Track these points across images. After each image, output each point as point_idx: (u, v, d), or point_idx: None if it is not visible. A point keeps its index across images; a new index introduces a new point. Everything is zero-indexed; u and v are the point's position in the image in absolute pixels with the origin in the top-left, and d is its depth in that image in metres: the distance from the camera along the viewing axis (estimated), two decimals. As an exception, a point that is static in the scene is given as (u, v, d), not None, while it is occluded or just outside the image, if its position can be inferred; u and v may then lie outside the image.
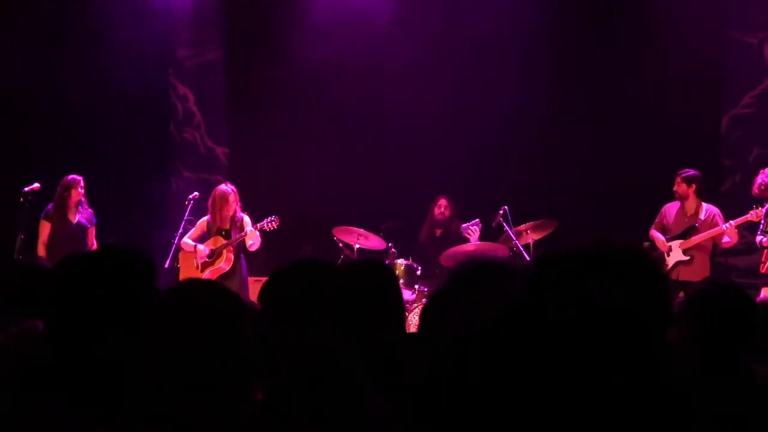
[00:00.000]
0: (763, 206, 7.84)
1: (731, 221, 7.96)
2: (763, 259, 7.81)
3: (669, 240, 8.19)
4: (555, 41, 9.70)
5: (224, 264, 8.14)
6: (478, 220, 8.50)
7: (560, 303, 1.41)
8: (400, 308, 3.13)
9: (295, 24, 10.03)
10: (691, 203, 8.18)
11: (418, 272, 8.42)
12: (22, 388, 2.08)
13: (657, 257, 7.96)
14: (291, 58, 9.97)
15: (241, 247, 8.21)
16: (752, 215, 7.84)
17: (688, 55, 9.23)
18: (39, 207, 8.36)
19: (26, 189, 8.34)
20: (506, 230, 8.29)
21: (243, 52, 10.64)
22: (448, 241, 8.60)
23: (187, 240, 8.28)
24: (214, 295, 1.95)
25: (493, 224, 8.45)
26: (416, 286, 8.30)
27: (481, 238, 8.50)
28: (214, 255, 8.18)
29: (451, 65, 9.98)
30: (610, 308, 1.40)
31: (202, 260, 8.19)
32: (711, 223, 8.08)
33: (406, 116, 9.69)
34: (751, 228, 8.20)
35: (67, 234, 8.24)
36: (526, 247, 8.27)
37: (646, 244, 8.21)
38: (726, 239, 8.03)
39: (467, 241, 8.45)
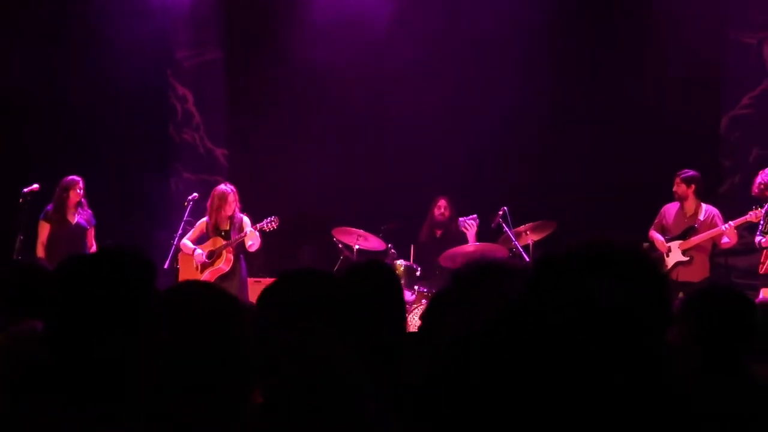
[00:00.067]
0: (762, 207, 7.84)
1: (730, 222, 7.96)
2: (762, 260, 7.81)
3: (668, 241, 8.19)
4: (555, 41, 9.70)
5: (224, 265, 8.13)
6: (476, 215, 8.52)
7: (560, 303, 1.41)
8: (402, 309, 3.13)
9: (295, 24, 10.03)
10: (690, 204, 8.18)
11: (418, 273, 8.42)
12: (22, 388, 2.08)
13: (656, 258, 7.97)
14: (291, 58, 9.97)
15: (240, 248, 8.20)
16: (751, 216, 7.84)
17: (688, 55, 9.23)
18: (38, 208, 8.35)
19: (25, 190, 8.33)
20: (505, 231, 8.29)
21: (242, 53, 10.63)
22: (448, 242, 8.59)
23: (186, 242, 8.27)
24: (214, 295, 1.95)
25: (493, 225, 8.45)
26: (416, 287, 8.30)
27: (481, 239, 8.51)
28: (213, 256, 8.17)
29: (451, 65, 9.98)
30: (610, 308, 1.40)
31: (201, 262, 8.19)
32: (710, 224, 8.08)
33: (406, 116, 9.69)
34: (750, 229, 8.20)
35: (66, 235, 8.24)
36: (526, 248, 8.27)
37: (646, 245, 8.21)
38: (725, 240, 8.03)
39: (466, 240, 8.46)
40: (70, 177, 8.34)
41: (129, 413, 1.86)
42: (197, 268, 8.21)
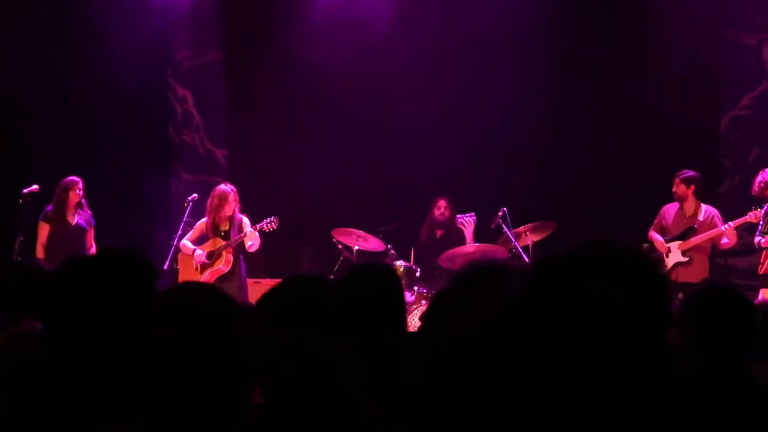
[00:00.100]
0: (761, 207, 7.84)
1: (730, 222, 7.96)
2: (761, 260, 7.81)
3: (668, 241, 8.18)
4: (555, 41, 9.70)
5: (223, 265, 8.12)
6: (473, 213, 8.53)
7: (559, 304, 1.41)
8: (402, 310, 3.14)
9: (295, 24, 10.03)
10: (690, 204, 8.17)
11: (418, 274, 8.41)
12: (22, 388, 2.08)
13: (656, 258, 7.97)
14: (291, 58, 9.97)
15: (240, 249, 8.19)
16: (751, 216, 7.84)
17: (687, 56, 9.23)
18: (38, 208, 8.35)
19: (25, 191, 8.33)
20: (505, 232, 8.29)
21: (242, 53, 10.63)
22: (448, 243, 8.60)
23: (185, 242, 8.27)
24: (213, 295, 1.95)
25: (492, 226, 8.45)
26: (415, 288, 8.30)
27: (481, 240, 8.52)
28: (213, 256, 8.17)
29: (451, 65, 9.98)
30: (610, 308, 1.40)
31: (201, 262, 8.18)
32: (710, 224, 8.08)
33: (406, 116, 9.69)
34: (750, 229, 8.19)
35: (65, 235, 8.23)
36: (526, 248, 8.27)
37: (646, 245, 8.20)
38: (725, 240, 8.03)
39: (465, 238, 8.48)
40: (70, 178, 8.34)
41: (129, 413, 1.86)
42: (197, 268, 8.20)
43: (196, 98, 10.83)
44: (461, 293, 1.54)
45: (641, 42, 9.69)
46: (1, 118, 9.90)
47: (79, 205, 8.36)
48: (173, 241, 8.32)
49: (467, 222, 8.52)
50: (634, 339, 1.40)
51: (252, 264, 8.65)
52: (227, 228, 8.17)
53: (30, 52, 9.81)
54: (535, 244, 8.32)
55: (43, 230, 8.29)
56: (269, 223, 8.09)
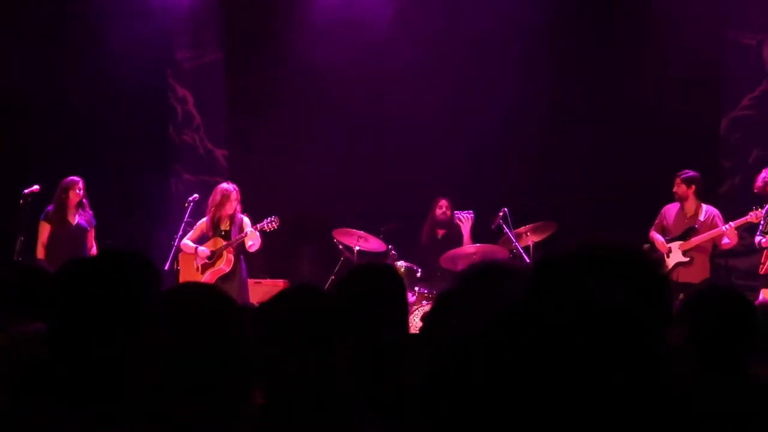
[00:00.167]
0: (762, 207, 7.84)
1: (731, 222, 7.95)
2: (762, 260, 7.81)
3: (669, 241, 8.18)
4: (555, 41, 9.70)
5: (224, 265, 8.12)
6: (471, 211, 8.54)
7: (560, 304, 1.41)
8: (404, 311, 3.14)
9: (295, 24, 10.03)
10: (690, 204, 8.17)
11: (418, 274, 8.42)
12: (22, 388, 2.08)
13: (657, 258, 7.96)
14: (291, 58, 9.97)
15: (241, 249, 8.20)
16: (752, 216, 7.84)
17: (688, 56, 9.23)
18: (39, 209, 8.35)
19: (26, 191, 8.33)
20: (506, 232, 8.29)
21: (243, 53, 10.63)
22: (450, 243, 8.60)
23: (186, 241, 8.27)
24: (214, 296, 1.96)
25: (493, 226, 8.45)
26: (416, 288, 8.29)
27: (481, 240, 8.53)
28: (214, 256, 8.17)
29: (451, 65, 9.98)
30: (610, 309, 1.40)
31: (202, 262, 8.18)
32: (711, 225, 8.08)
33: (406, 116, 9.69)
34: (750, 230, 8.19)
35: (66, 235, 8.23)
36: (526, 249, 8.27)
37: (646, 246, 8.20)
38: (726, 240, 8.03)
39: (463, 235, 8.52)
40: (70, 177, 8.34)
41: (129, 413, 1.86)
42: (198, 269, 8.21)
43: (197, 98, 10.83)
44: (464, 294, 1.54)
45: (641, 42, 9.69)
46: (1, 118, 9.90)
47: (80, 205, 8.35)
48: (174, 242, 8.32)
49: (465, 218, 8.55)
50: (634, 339, 1.40)
51: (252, 264, 8.65)
52: (228, 228, 8.17)
53: (30, 52, 9.80)
54: (536, 245, 8.32)
55: (44, 230, 8.29)
56: (270, 223, 8.09)
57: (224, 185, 8.28)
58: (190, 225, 8.39)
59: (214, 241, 8.18)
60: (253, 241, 8.08)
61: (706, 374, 2.67)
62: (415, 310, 8.02)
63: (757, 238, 7.83)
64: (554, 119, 9.79)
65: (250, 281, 8.48)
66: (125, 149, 10.16)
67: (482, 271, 1.57)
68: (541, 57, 9.60)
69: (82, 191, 8.34)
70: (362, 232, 8.54)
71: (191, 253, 8.23)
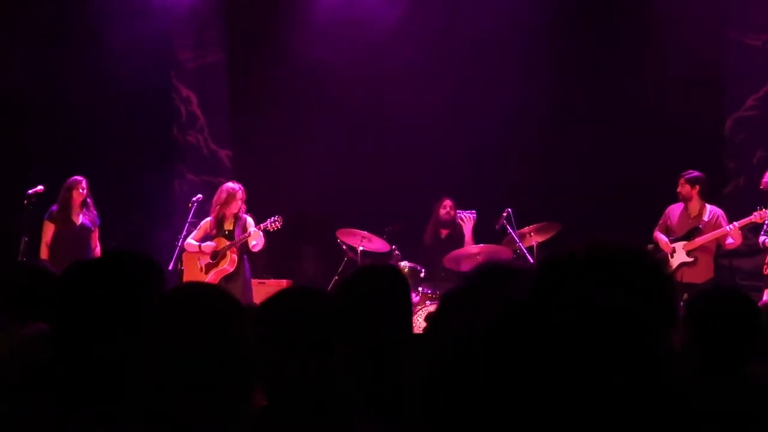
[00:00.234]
0: (767, 207, 7.82)
1: (735, 223, 7.93)
2: (766, 260, 7.79)
3: (673, 241, 8.17)
4: (555, 41, 9.70)
5: (228, 265, 8.12)
6: (474, 211, 8.53)
7: (562, 304, 1.41)
8: (408, 312, 3.13)
9: (296, 25, 10.03)
10: (694, 204, 8.15)
11: (422, 274, 8.41)
12: (23, 388, 2.08)
13: (661, 259, 7.95)
14: (292, 58, 9.97)
15: (244, 248, 8.20)
16: (756, 216, 7.82)
17: (688, 56, 9.23)
18: (43, 209, 8.34)
19: (30, 192, 8.32)
20: (510, 232, 8.29)
21: (244, 53, 10.63)
22: (454, 243, 8.60)
23: (190, 240, 8.26)
24: (214, 296, 1.95)
25: (497, 226, 8.45)
26: (420, 289, 8.29)
27: (485, 240, 8.52)
28: (217, 256, 8.16)
29: (451, 65, 9.98)
30: (609, 309, 1.40)
31: (206, 261, 8.18)
32: (715, 225, 8.06)
33: (407, 116, 9.69)
34: (755, 230, 8.19)
35: (70, 235, 8.22)
36: (530, 249, 8.26)
37: (650, 246, 8.19)
38: (730, 241, 8.00)
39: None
40: (73, 177, 8.33)
41: (129, 413, 1.86)
42: (201, 269, 8.21)
43: (200, 99, 10.82)
44: (468, 294, 1.54)
45: (641, 42, 9.68)
46: (1, 118, 9.89)
47: (84, 204, 8.34)
48: (178, 242, 8.31)
49: (467, 218, 8.54)
50: (634, 339, 1.40)
51: (255, 264, 8.64)
52: (231, 227, 8.18)
53: (30, 52, 9.80)
54: (540, 245, 8.31)
55: (48, 230, 8.27)
56: (273, 223, 8.09)
57: (230, 184, 8.30)
58: (194, 225, 8.39)
59: (218, 241, 8.18)
60: (256, 240, 8.08)
61: (707, 374, 2.67)
62: (419, 311, 8.01)
63: (762, 239, 7.82)
64: (554, 119, 9.79)
65: (254, 281, 8.48)
66: (126, 149, 10.15)
67: (487, 271, 1.56)
68: (541, 57, 9.60)
69: (85, 191, 8.33)
70: (366, 232, 8.53)
71: (195, 253, 8.23)
